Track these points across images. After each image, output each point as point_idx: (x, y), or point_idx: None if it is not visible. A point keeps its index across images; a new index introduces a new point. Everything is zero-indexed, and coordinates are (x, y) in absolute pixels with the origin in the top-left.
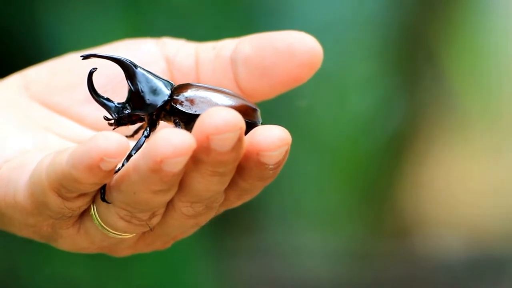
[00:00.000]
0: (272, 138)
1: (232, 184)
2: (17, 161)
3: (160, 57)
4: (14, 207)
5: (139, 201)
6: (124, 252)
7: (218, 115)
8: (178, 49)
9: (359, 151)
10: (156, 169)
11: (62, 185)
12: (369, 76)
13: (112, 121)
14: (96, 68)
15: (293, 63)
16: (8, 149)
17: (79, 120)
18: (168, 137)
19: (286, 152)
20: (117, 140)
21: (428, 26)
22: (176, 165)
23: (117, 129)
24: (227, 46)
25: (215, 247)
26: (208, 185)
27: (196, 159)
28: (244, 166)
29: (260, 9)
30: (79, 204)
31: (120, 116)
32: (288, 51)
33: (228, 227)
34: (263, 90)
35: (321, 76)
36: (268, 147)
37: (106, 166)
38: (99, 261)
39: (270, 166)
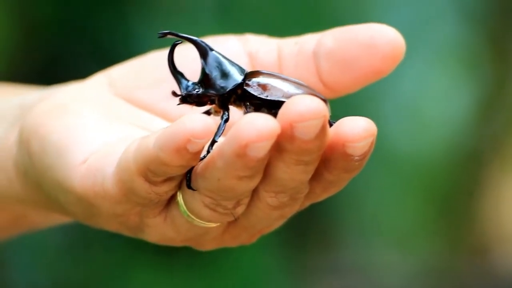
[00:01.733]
0: (358, 128)
1: (317, 176)
2: (104, 151)
3: (243, 52)
4: (103, 196)
5: (223, 188)
6: (210, 244)
7: (302, 103)
8: (260, 44)
9: (437, 166)
10: (240, 154)
11: (149, 169)
12: (447, 85)
13: (179, 97)
14: (181, 42)
15: (376, 56)
16: (95, 141)
17: (163, 115)
18: (253, 121)
19: (372, 143)
20: (203, 121)
21: None
22: (261, 150)
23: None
24: (309, 40)
25: (293, 265)
26: (293, 175)
27: (280, 148)
28: (329, 157)
29: (339, 11)
30: (166, 189)
31: (188, 94)
32: (371, 43)
33: (306, 245)
34: (345, 83)
35: (396, 89)
36: (354, 138)
37: (193, 148)
38: (178, 273)
39: (356, 158)
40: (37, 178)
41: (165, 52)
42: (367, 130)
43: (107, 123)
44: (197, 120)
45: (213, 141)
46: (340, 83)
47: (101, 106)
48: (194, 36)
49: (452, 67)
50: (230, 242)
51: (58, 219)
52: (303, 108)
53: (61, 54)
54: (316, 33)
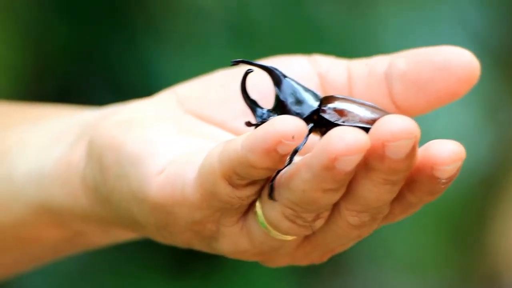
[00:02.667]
0: (447, 151)
1: (400, 197)
2: (183, 159)
3: (313, 73)
4: (182, 203)
5: (307, 200)
6: (281, 260)
7: (394, 122)
8: (330, 65)
9: (449, 192)
10: (329, 167)
11: (235, 171)
12: (458, 112)
13: (254, 127)
14: (253, 70)
15: (451, 78)
16: (171, 152)
17: (234, 133)
18: (343, 135)
19: (459, 167)
20: (295, 122)
21: None
22: (350, 163)
23: None
24: (380, 62)
25: None
26: (379, 194)
27: (368, 166)
28: (415, 179)
29: (351, 37)
30: (248, 193)
31: (263, 122)
32: (446, 65)
33: (315, 270)
34: (419, 105)
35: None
36: (444, 161)
37: (283, 150)
38: None
39: (443, 181)
40: (107, 192)
41: (231, 70)
42: (457, 153)
43: (181, 136)
44: (289, 122)
45: (296, 150)
46: (413, 105)
47: (172, 120)
48: (267, 63)
49: (465, 99)
50: (302, 259)
51: (119, 236)
52: (396, 127)
53: (75, 82)
54: (386, 55)
